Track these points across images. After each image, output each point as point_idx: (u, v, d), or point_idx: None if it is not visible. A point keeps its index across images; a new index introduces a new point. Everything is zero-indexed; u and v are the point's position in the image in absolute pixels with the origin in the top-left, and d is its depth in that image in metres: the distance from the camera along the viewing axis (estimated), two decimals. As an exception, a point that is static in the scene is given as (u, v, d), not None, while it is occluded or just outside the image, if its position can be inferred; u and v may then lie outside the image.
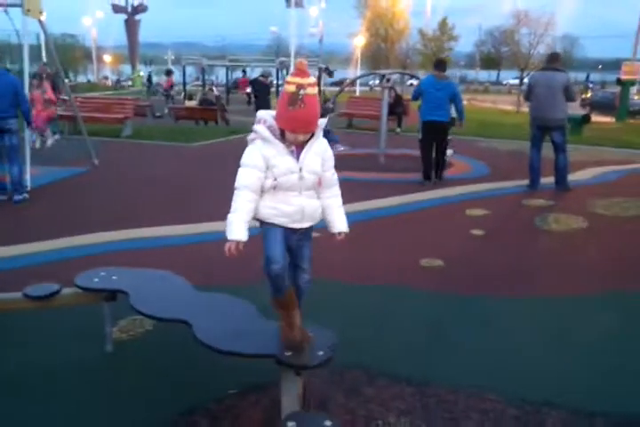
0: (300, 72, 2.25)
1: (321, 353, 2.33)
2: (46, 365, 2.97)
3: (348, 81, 16.57)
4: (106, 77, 55.05)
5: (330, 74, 28.25)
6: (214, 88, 21.80)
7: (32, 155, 7.55)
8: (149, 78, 33.43)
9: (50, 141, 11.09)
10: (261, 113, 2.39)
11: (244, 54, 38.63)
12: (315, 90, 2.27)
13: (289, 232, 2.42)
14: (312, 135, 2.36)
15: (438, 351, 3.23)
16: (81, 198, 6.97)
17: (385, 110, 9.60)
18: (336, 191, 2.54)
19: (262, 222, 2.44)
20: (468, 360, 3.12)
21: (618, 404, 2.72)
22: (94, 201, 6.81)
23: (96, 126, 12.83)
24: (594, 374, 3.00)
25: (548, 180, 7.68)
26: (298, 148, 2.36)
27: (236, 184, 2.37)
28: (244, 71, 29.12)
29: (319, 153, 2.41)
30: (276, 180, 2.33)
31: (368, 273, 4.46)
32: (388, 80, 9.39)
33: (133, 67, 51.01)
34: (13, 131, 6.53)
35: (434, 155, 8.07)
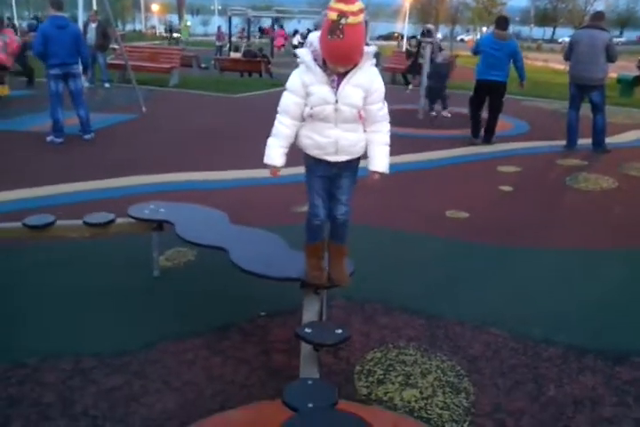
0: None
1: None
2: (101, 285, 3.39)
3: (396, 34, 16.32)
4: (153, 27, 55.08)
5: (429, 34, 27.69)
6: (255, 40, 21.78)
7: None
8: (171, 29, 34.20)
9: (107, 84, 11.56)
10: (312, 36, 2.28)
11: (291, 6, 37.98)
12: (359, 19, 2.08)
13: (326, 165, 2.40)
14: (355, 65, 2.22)
15: (452, 290, 3.50)
16: (131, 143, 7.38)
17: (427, 66, 9.58)
18: (381, 127, 2.40)
19: (304, 156, 2.45)
20: (478, 299, 3.39)
21: (610, 343, 2.96)
22: (144, 145, 7.21)
23: (144, 75, 13.19)
24: (593, 318, 3.23)
25: (586, 141, 7.66)
26: (339, 77, 2.23)
27: (278, 108, 2.36)
28: (278, 24, 28.76)
29: (361, 85, 2.25)
30: (312, 108, 2.27)
31: (394, 219, 4.71)
32: (430, 33, 9.32)
33: (180, 17, 50.79)
34: (77, 76, 7.04)
35: (484, 116, 7.87)
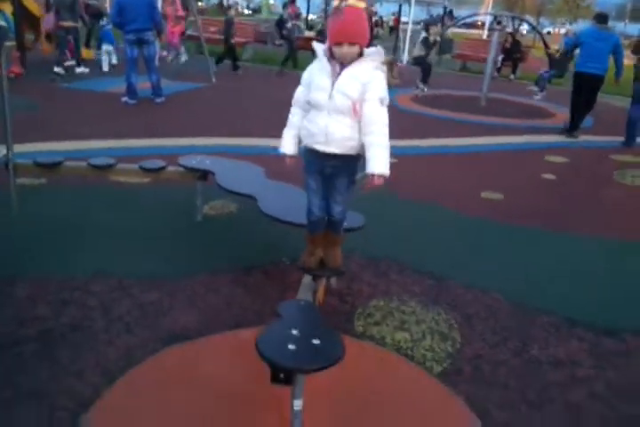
0: None
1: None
2: (149, 224, 3.83)
3: (451, 23, 16.12)
4: (236, 3, 55.96)
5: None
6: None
7: (160, 69, 8.52)
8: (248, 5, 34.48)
9: (183, 58, 12.13)
10: None
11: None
12: (359, 4, 2.27)
13: (318, 159, 2.47)
14: (360, 56, 2.34)
15: (469, 261, 3.71)
16: (198, 108, 7.88)
17: (492, 54, 9.57)
18: (376, 129, 2.37)
19: (303, 153, 2.57)
20: (491, 271, 3.59)
21: (608, 320, 3.12)
22: (210, 112, 7.69)
23: (220, 48, 13.73)
24: (600, 298, 3.38)
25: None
26: (341, 68, 2.35)
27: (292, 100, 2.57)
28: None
29: (359, 78, 2.33)
30: (309, 95, 2.40)
31: (429, 195, 4.93)
32: (499, 23, 9.28)
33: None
34: (150, 42, 7.58)
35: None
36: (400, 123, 8.07)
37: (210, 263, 3.33)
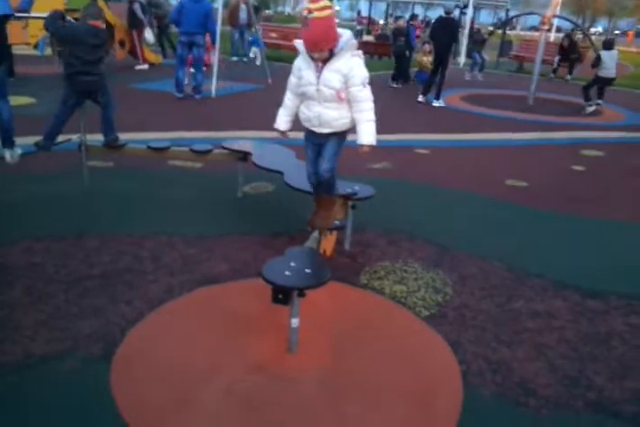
0: None
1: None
2: (196, 197, 4.44)
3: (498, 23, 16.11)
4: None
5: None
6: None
7: (219, 71, 9.25)
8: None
9: (258, 61, 13.06)
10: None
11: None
12: (323, 14, 2.56)
13: (314, 135, 2.99)
14: (332, 55, 2.72)
15: (477, 235, 4.09)
16: (250, 106, 8.53)
17: (540, 53, 9.74)
18: (363, 106, 2.83)
19: (303, 129, 3.06)
20: (497, 244, 3.95)
21: (597, 283, 3.44)
22: (259, 109, 8.31)
23: (279, 52, 14.49)
24: (590, 265, 3.69)
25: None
26: (323, 64, 2.75)
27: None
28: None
29: (340, 70, 2.73)
30: (301, 88, 2.87)
31: (454, 182, 5.31)
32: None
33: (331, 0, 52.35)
34: (200, 45, 8.34)
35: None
36: (445, 119, 8.47)
37: (244, 229, 3.90)
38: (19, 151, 4.70)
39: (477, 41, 14.34)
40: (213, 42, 8.74)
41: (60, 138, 4.45)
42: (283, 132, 3.19)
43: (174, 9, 8.51)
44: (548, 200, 4.94)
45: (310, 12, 2.57)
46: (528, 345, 2.78)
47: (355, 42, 2.77)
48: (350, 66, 2.75)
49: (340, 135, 2.98)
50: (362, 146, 2.90)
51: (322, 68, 2.76)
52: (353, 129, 3.03)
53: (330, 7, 2.63)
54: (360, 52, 2.81)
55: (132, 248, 3.49)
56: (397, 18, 13.71)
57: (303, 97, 2.94)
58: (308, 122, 2.97)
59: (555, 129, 8.15)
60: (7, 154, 4.61)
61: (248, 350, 2.54)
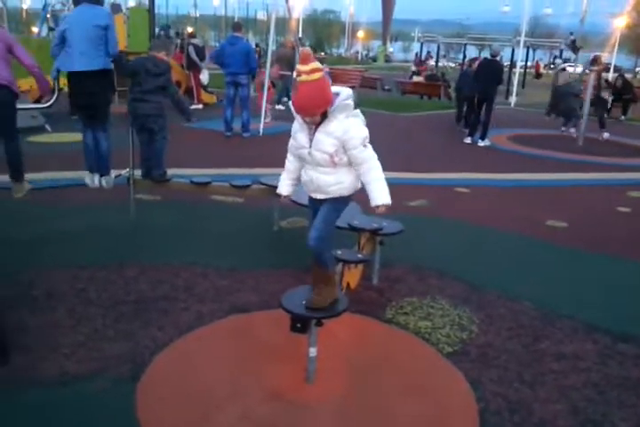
0: (302, 59, 2.36)
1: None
2: (233, 230, 4.63)
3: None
4: (357, 52, 58.87)
5: (574, 49, 27.05)
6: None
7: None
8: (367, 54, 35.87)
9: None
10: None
11: (494, 33, 38.16)
12: (312, 77, 2.35)
13: (315, 200, 2.73)
14: (326, 117, 2.48)
15: (510, 275, 4.07)
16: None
17: (589, 93, 9.68)
18: (368, 166, 2.58)
19: None
20: (528, 283, 3.92)
21: (623, 325, 3.35)
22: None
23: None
24: (623, 311, 3.61)
25: None
26: (316, 127, 2.52)
27: None
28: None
29: (333, 133, 2.49)
30: (296, 151, 2.67)
31: (492, 221, 5.29)
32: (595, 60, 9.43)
33: (384, 42, 53.71)
34: (244, 84, 8.75)
35: None
36: (489, 159, 8.48)
37: (277, 262, 4.02)
38: (111, 180, 4.77)
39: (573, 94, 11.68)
40: (254, 78, 9.11)
41: (113, 173, 4.76)
42: (284, 197, 2.92)
43: (214, 52, 9.02)
44: (586, 241, 4.86)
45: (299, 74, 2.38)
46: (551, 386, 2.74)
47: (350, 102, 2.52)
48: (345, 128, 2.50)
49: (336, 202, 2.69)
50: (377, 207, 2.65)
51: (314, 130, 2.55)
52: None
53: (320, 70, 2.39)
54: (358, 111, 2.59)
55: (169, 277, 3.67)
56: (472, 60, 13.04)
57: (301, 160, 2.73)
58: (305, 186, 2.77)
59: (603, 169, 8.02)
60: (103, 181, 4.71)
61: (267, 377, 2.62)
